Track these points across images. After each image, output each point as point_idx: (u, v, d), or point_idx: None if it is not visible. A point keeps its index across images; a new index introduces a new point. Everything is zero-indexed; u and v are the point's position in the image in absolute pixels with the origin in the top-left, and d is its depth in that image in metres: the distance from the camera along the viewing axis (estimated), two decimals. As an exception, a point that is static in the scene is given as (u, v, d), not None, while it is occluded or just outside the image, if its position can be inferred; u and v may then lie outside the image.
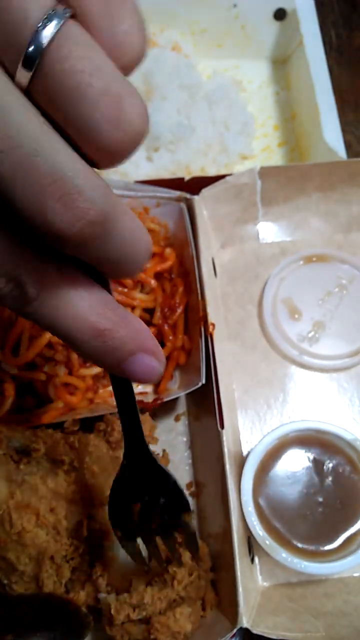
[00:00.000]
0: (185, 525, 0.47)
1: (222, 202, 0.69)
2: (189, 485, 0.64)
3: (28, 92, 0.21)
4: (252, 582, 0.55)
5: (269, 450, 0.59)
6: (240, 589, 0.50)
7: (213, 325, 0.61)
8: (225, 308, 0.71)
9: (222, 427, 0.56)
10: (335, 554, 0.54)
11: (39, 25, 0.21)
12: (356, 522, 0.55)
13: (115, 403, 0.39)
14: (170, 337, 0.66)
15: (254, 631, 0.48)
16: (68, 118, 0.21)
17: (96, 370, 0.62)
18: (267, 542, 0.54)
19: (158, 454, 0.62)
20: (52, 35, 0.21)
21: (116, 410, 0.59)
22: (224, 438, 0.56)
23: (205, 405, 0.61)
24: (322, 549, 0.54)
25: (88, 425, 0.58)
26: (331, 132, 0.71)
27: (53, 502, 0.52)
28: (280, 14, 0.76)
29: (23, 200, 0.21)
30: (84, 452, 0.53)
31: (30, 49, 0.20)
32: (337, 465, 0.58)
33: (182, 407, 0.68)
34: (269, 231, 0.74)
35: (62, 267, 0.25)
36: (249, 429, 0.65)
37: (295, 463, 0.58)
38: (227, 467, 0.55)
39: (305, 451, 0.59)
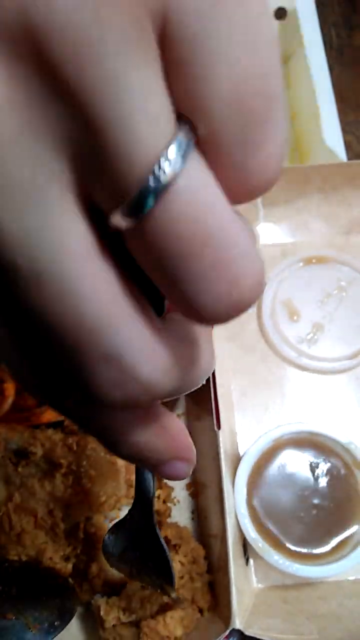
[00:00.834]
0: (165, 593, 0.48)
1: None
2: (188, 486, 0.64)
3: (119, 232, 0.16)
4: (246, 583, 0.55)
5: (264, 451, 0.59)
6: (234, 591, 0.50)
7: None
8: (224, 309, 0.71)
9: (219, 427, 0.56)
10: (328, 557, 0.54)
11: (156, 162, 0.14)
12: (349, 525, 0.55)
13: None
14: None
15: (247, 632, 0.49)
16: (163, 279, 0.17)
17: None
18: (260, 544, 0.54)
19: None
20: (169, 180, 0.14)
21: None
22: (220, 439, 0.56)
23: (205, 405, 0.61)
24: (314, 552, 0.55)
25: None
26: (331, 132, 0.70)
27: (51, 504, 0.53)
28: (280, 13, 0.75)
29: (71, 366, 0.18)
30: (81, 455, 0.54)
31: (137, 195, 0.14)
32: (331, 468, 0.58)
33: (182, 407, 0.68)
34: (269, 233, 0.74)
35: None
36: (246, 430, 0.65)
37: (290, 465, 0.58)
38: (224, 468, 0.55)
39: (301, 453, 0.59)
